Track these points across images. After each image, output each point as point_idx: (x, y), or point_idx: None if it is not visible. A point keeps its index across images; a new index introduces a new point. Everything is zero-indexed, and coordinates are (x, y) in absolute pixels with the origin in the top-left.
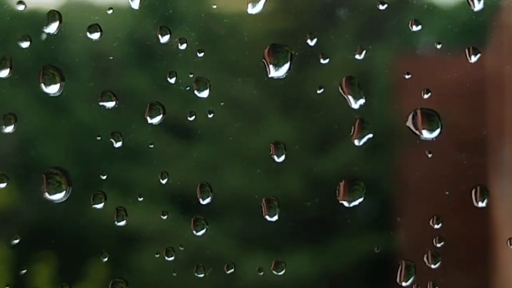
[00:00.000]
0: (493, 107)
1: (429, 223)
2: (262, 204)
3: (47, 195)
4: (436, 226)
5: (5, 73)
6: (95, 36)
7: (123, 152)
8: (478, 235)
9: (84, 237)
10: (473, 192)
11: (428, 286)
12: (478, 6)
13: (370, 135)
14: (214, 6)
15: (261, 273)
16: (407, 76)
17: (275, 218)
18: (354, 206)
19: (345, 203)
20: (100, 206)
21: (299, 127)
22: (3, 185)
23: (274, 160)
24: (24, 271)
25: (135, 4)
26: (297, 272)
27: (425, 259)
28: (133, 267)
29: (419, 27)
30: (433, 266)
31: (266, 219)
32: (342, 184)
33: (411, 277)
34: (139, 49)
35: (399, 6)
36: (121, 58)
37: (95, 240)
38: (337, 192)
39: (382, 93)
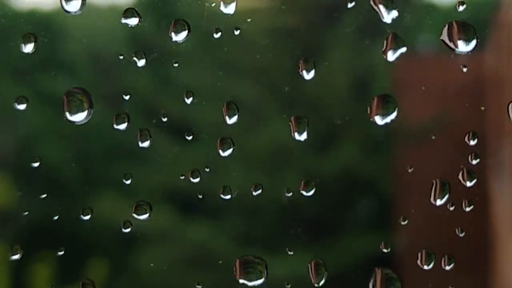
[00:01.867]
0: (493, 106)
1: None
2: (290, 123)
3: (67, 115)
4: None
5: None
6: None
7: (123, 152)
8: (478, 234)
9: (84, 237)
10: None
11: (463, 204)
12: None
13: (404, 49)
14: (213, 4)
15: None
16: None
17: (304, 136)
18: (386, 123)
19: (377, 119)
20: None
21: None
22: None
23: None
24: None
25: None
26: (297, 272)
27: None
28: (133, 267)
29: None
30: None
31: (294, 138)
32: (375, 100)
33: (446, 195)
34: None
35: (399, 6)
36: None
37: (95, 240)
38: (368, 110)
39: (382, 93)
